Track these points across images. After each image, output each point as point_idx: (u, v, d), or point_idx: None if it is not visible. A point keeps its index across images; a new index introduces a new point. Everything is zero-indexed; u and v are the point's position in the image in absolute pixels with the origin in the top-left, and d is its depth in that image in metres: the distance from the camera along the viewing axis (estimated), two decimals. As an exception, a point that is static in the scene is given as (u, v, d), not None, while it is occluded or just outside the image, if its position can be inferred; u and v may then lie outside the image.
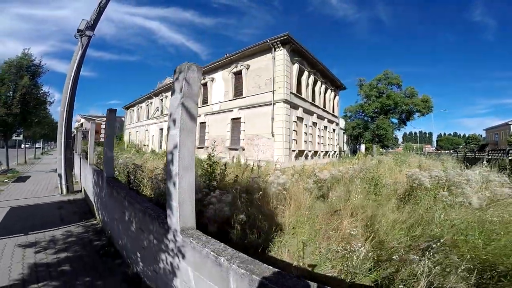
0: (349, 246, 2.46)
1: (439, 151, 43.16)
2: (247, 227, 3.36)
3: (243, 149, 16.33)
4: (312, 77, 18.47)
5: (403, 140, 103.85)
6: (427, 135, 76.25)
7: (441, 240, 2.32)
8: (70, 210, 6.21)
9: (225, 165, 5.87)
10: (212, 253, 1.72)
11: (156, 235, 2.46)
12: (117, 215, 3.71)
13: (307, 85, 17.98)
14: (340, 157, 22.80)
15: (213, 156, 4.92)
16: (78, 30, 9.21)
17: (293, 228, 3.67)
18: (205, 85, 20.89)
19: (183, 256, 2.05)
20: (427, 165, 10.03)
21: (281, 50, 14.98)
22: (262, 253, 3.11)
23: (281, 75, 14.88)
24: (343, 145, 30.31)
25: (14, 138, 14.83)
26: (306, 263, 2.87)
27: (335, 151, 23.13)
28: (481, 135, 68.00)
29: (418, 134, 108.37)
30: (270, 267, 1.51)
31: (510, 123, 45.57)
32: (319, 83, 19.96)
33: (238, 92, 17.71)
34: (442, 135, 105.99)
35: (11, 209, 6.10)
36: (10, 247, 3.84)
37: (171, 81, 27.86)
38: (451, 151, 44.11)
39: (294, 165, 10.67)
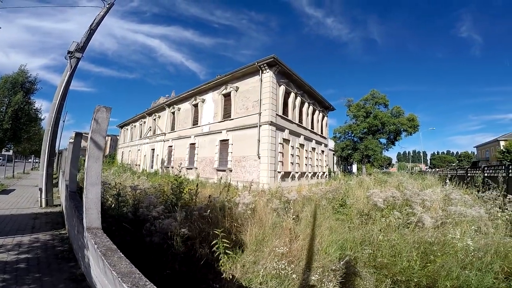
0: (276, 265, 2.62)
1: (432, 170, 43.57)
2: (197, 242, 3.53)
3: (231, 171, 16.48)
4: (299, 98, 19.07)
5: (397, 159, 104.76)
6: (421, 154, 77.04)
7: (341, 263, 2.47)
8: (44, 221, 6.45)
9: (197, 185, 6.04)
10: (93, 242, 2.25)
11: (82, 235, 2.96)
12: (72, 222, 4.17)
13: (294, 106, 18.54)
14: (330, 178, 22.97)
15: (179, 177, 5.14)
16: (68, 52, 9.65)
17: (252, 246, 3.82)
18: (196, 106, 21.44)
19: (88, 248, 2.59)
20: (405, 185, 10.25)
21: (268, 72, 15.57)
22: (211, 266, 3.26)
23: (268, 97, 15.36)
24: (333, 166, 30.55)
25: (3, 152, 14.87)
26: (248, 278, 3.02)
27: (324, 172, 23.31)
28: (473, 152, 68.84)
29: (411, 154, 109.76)
30: (116, 255, 1.99)
31: (499, 139, 45.69)
32: (306, 104, 20.58)
33: (226, 114, 18.17)
34: (436, 153, 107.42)
35: (-12, 217, 6.28)
36: (-21, 248, 4.18)
37: (164, 100, 28.63)
38: (444, 169, 44.44)
39: (279, 186, 10.83)
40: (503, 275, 3.06)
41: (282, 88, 16.59)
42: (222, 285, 2.60)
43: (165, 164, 24.06)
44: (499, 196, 5.76)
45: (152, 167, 26.52)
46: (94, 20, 9.69)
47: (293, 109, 18.43)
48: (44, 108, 26.31)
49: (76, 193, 5.04)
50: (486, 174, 10.43)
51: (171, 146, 23.68)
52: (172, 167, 22.01)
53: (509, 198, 5.45)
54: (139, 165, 29.89)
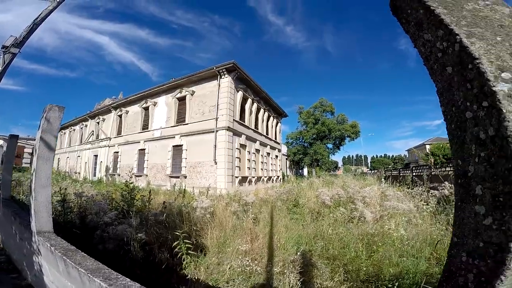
0: (241, 262, 2.73)
1: (372, 171, 48.53)
2: (156, 247, 3.43)
3: (185, 177, 15.93)
4: (255, 104, 19.52)
5: (343, 163, 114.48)
6: (363, 157, 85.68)
7: (298, 254, 2.72)
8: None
9: (149, 191, 5.79)
10: (49, 245, 2.17)
11: (29, 241, 2.79)
12: (10, 231, 3.84)
13: (251, 112, 18.91)
14: (283, 181, 23.96)
15: (131, 183, 4.91)
16: (3, 46, 8.53)
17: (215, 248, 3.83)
18: (146, 109, 20.26)
19: (40, 253, 2.45)
20: (348, 184, 11.32)
21: (226, 77, 15.51)
22: (173, 271, 3.18)
23: (225, 102, 15.31)
24: (286, 170, 31.94)
25: None
26: (214, 278, 3.04)
27: (278, 176, 24.20)
28: (405, 155, 78.79)
29: (355, 157, 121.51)
30: (79, 254, 1.99)
31: (425, 143, 53.65)
32: (262, 110, 21.18)
33: (181, 118, 17.57)
34: (376, 157, 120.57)
35: None
36: None
37: (111, 102, 26.34)
38: (381, 170, 50.04)
39: (237, 191, 10.88)
40: (435, 261, 3.43)
41: (239, 94, 16.73)
42: (188, 287, 2.58)
43: (110, 171, 22.03)
44: (424, 191, 6.74)
45: (95, 175, 24.00)
46: (40, 14, 8.70)
47: (250, 115, 18.78)
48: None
49: (10, 200, 4.55)
50: (414, 174, 12.14)
51: (117, 152, 21.84)
52: (119, 175, 20.27)
53: (431, 193, 6.40)
54: (79, 173, 26.78)
